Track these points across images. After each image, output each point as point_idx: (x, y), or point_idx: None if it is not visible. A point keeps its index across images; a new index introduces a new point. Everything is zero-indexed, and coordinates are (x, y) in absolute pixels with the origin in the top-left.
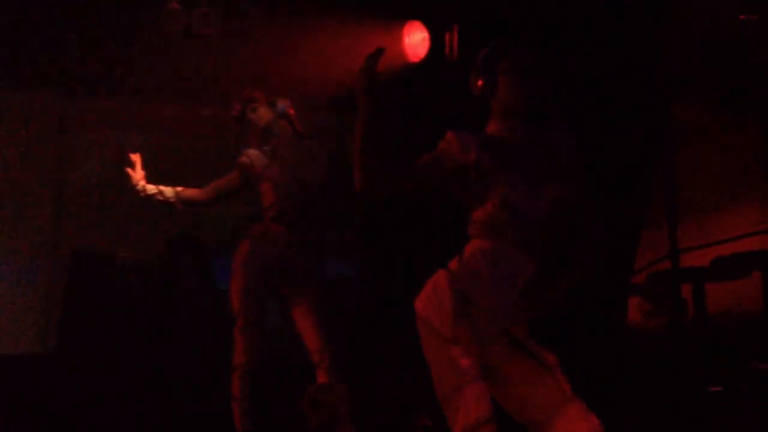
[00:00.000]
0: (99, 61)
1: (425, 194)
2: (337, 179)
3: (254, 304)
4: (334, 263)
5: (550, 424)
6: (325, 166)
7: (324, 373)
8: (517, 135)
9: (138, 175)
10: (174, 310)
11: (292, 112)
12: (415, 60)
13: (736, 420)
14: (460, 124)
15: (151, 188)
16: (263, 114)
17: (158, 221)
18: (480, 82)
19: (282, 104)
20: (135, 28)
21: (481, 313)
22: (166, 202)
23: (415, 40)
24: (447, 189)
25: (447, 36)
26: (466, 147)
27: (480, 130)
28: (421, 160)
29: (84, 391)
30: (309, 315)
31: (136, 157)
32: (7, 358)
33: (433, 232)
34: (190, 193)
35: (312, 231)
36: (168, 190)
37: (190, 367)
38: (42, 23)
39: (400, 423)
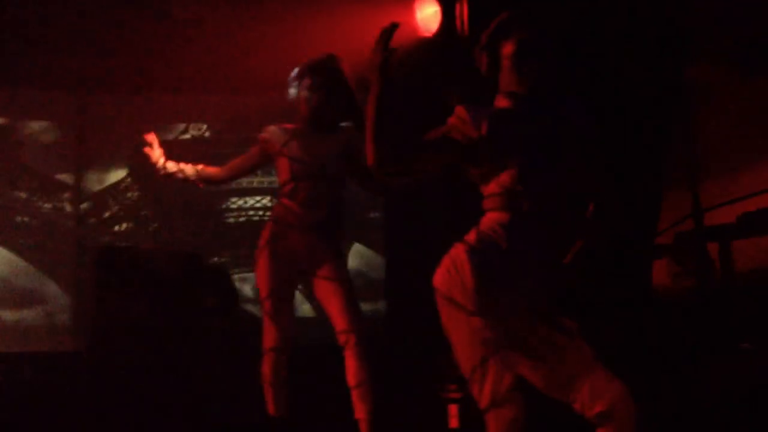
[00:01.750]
0: (122, 57)
1: (436, 173)
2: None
3: (280, 285)
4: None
5: (575, 390)
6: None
7: (351, 353)
8: (525, 108)
9: (156, 153)
10: (199, 302)
11: None
12: (428, 34)
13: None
14: (472, 100)
15: (172, 166)
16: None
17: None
18: (485, 60)
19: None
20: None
21: (501, 285)
22: (186, 180)
23: (427, 14)
24: (457, 164)
25: (457, 8)
26: (477, 121)
27: (490, 105)
28: (432, 135)
29: (116, 387)
30: (333, 294)
31: (151, 137)
32: (40, 356)
33: (454, 216)
34: (211, 171)
35: (332, 213)
36: (188, 168)
37: (220, 358)
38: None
39: (428, 396)
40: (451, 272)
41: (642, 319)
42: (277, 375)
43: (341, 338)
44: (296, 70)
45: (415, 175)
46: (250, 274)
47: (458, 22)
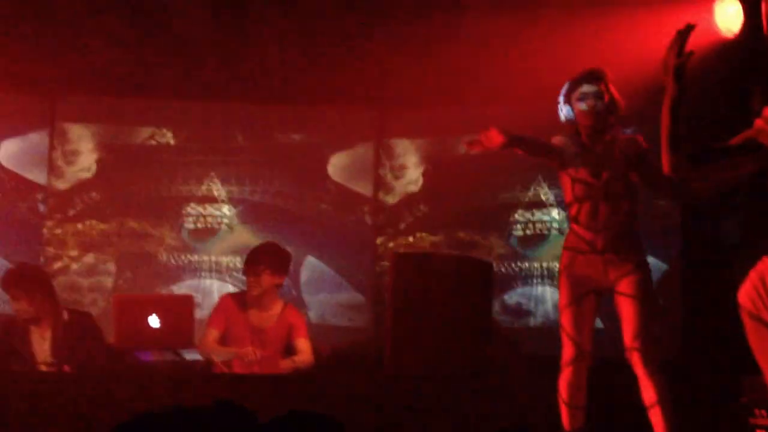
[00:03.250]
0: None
1: (738, 180)
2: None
3: (578, 304)
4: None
5: None
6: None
7: (640, 373)
8: None
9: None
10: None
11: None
12: (729, 35)
13: None
14: None
15: None
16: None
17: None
18: None
19: None
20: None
21: None
22: None
23: (728, 14)
24: (764, 170)
25: (763, 6)
26: None
27: None
28: (735, 140)
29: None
30: (623, 309)
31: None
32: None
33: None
34: None
35: (622, 231)
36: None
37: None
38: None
39: (733, 421)
40: (759, 289)
41: None
42: (572, 391)
43: (627, 355)
44: (566, 86)
45: (714, 182)
46: (540, 288)
47: (765, 21)
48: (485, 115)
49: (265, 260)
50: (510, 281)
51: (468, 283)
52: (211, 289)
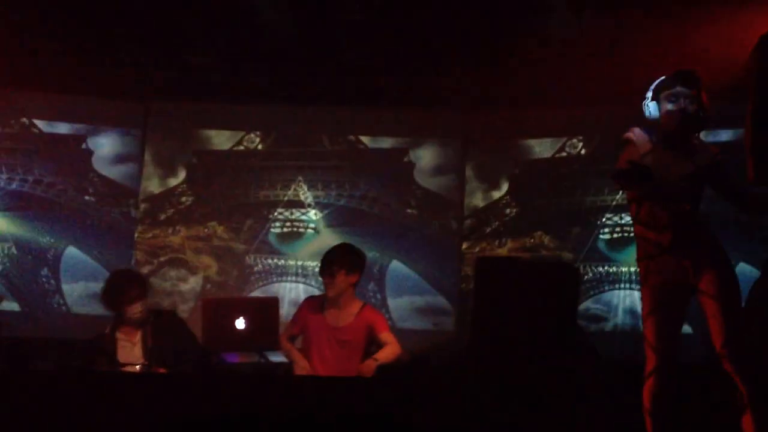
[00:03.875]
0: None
1: None
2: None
3: (660, 309)
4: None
5: None
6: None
7: (728, 368)
8: None
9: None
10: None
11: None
12: None
13: None
14: None
15: None
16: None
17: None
18: None
19: None
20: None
21: None
22: None
23: None
24: None
25: None
26: None
27: None
28: None
29: (492, 396)
30: (708, 311)
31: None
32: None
33: None
34: None
35: (686, 232)
36: None
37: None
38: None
39: None
40: None
41: None
42: (657, 401)
43: (717, 350)
44: (658, 82)
45: None
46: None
47: None
48: (571, 117)
49: (339, 261)
50: (595, 285)
51: (553, 287)
52: (297, 292)
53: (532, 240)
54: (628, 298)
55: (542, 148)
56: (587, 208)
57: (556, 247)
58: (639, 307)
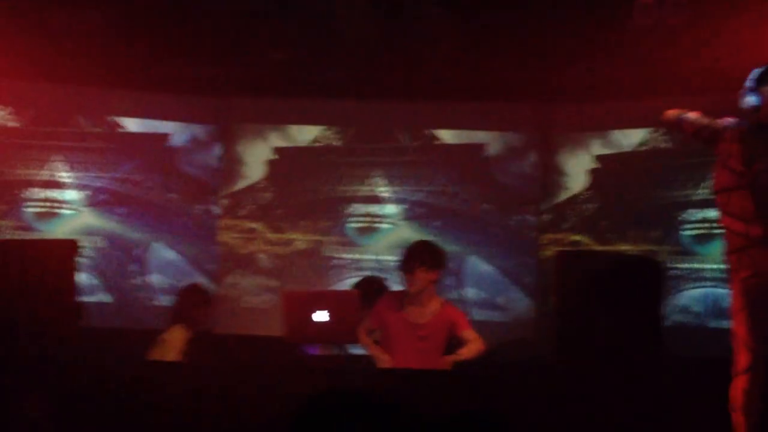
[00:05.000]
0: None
1: None
2: None
3: (752, 306)
4: None
5: None
6: None
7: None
8: None
9: None
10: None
11: None
12: None
13: None
14: None
15: None
16: None
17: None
18: None
19: None
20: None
21: None
22: None
23: None
24: None
25: None
26: None
27: None
28: None
29: (576, 396)
30: None
31: None
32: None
33: None
34: None
35: None
36: None
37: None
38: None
39: None
40: None
41: None
42: (748, 400)
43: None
44: (760, 72)
45: None
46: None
47: None
48: (652, 108)
49: (419, 257)
50: (680, 281)
51: (636, 281)
52: None
53: (614, 234)
54: (711, 295)
55: (624, 141)
56: (671, 203)
57: (638, 242)
58: (724, 304)
